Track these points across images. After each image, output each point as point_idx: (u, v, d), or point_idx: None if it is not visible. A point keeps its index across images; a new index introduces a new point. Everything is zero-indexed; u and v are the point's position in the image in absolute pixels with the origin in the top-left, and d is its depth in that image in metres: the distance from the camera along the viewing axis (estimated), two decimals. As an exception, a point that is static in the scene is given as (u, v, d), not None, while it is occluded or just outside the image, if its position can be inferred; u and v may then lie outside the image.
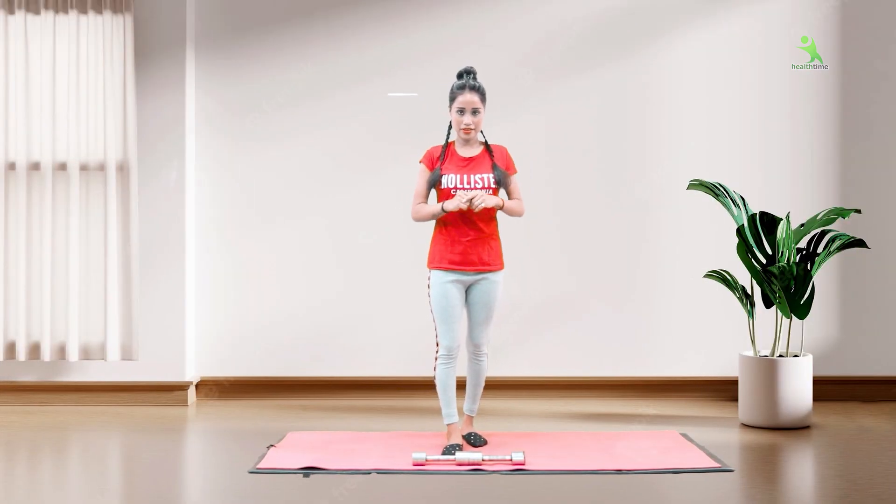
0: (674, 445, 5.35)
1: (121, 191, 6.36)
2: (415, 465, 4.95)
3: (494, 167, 5.29)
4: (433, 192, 5.37)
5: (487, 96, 5.39)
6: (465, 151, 5.33)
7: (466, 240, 5.24)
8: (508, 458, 4.96)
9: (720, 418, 6.07)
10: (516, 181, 5.40)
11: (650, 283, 6.64)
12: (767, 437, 5.63)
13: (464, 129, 5.27)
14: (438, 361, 5.28)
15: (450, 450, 5.11)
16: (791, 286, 5.80)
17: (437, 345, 5.28)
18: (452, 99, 5.31)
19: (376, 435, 5.59)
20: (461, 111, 5.27)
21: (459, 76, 5.36)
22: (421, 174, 5.36)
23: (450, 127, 5.37)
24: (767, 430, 5.78)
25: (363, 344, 6.63)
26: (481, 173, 5.27)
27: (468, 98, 5.27)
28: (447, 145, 5.37)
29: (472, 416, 5.46)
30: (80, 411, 6.29)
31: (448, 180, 5.26)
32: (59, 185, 6.37)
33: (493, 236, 5.31)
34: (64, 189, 6.36)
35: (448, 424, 5.28)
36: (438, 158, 5.33)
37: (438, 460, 4.98)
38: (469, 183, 5.25)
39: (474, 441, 5.33)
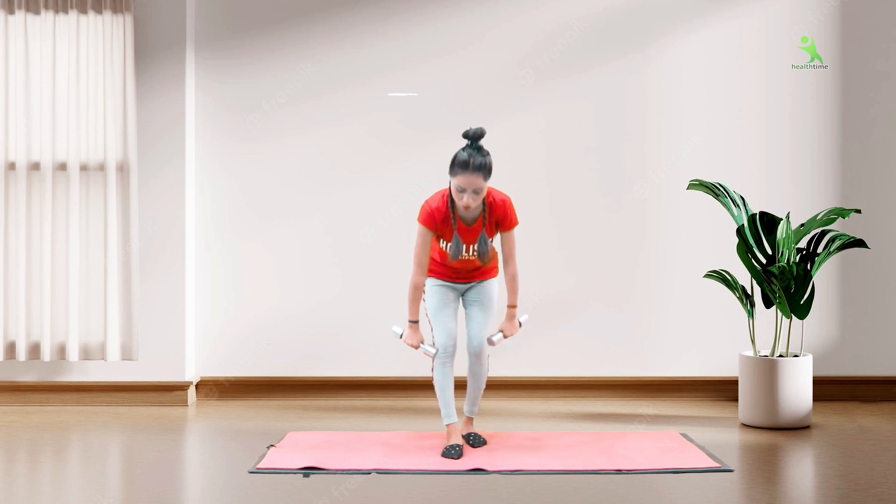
0: (674, 445, 5.35)
1: (121, 191, 6.36)
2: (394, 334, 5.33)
3: (479, 240, 5.11)
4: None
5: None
6: (467, 214, 5.14)
7: (460, 272, 5.26)
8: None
9: (720, 418, 6.07)
10: (513, 237, 5.21)
11: (650, 282, 6.64)
12: (767, 437, 5.63)
13: (463, 206, 5.05)
14: (436, 362, 5.26)
15: (449, 451, 5.11)
16: (791, 286, 5.80)
17: (434, 346, 5.28)
18: (453, 173, 5.00)
19: (376, 435, 5.58)
20: (462, 189, 5.00)
21: (466, 136, 5.04)
22: (422, 236, 5.13)
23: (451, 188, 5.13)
24: (767, 430, 5.78)
25: (363, 344, 6.64)
26: (476, 245, 5.19)
27: (471, 179, 4.97)
28: (454, 208, 5.09)
29: (472, 418, 5.45)
30: (80, 411, 6.29)
31: (446, 247, 5.16)
32: (59, 185, 6.37)
33: (489, 264, 5.30)
34: (64, 189, 6.36)
35: (447, 425, 5.27)
36: (444, 224, 5.10)
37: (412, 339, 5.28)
38: (468, 252, 5.17)
39: (473, 441, 5.32)
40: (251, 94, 6.63)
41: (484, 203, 5.14)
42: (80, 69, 6.32)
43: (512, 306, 5.32)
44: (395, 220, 6.55)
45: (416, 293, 5.21)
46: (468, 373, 5.37)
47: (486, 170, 4.98)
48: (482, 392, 5.42)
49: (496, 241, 5.39)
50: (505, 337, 5.34)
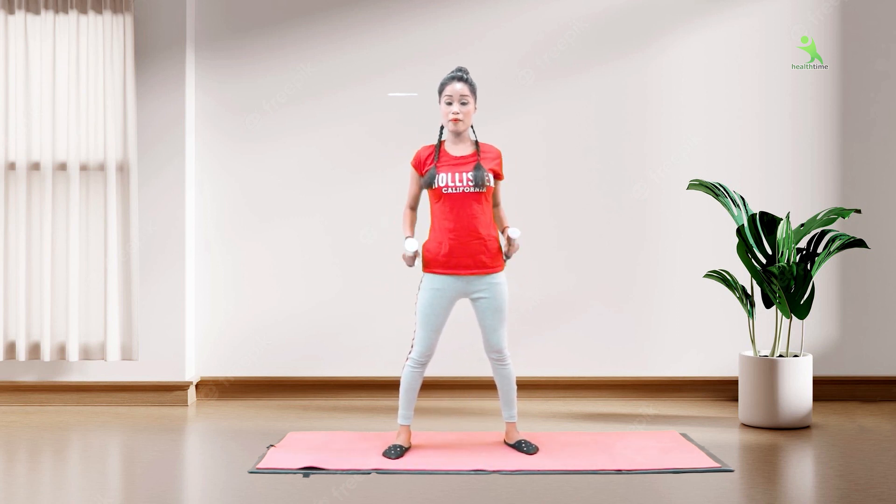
0: (674, 445, 5.35)
1: (121, 191, 6.36)
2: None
3: (476, 167, 5.13)
4: (425, 192, 5.29)
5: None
6: (456, 150, 5.22)
7: (458, 240, 5.13)
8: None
9: (720, 418, 6.07)
10: (500, 189, 5.31)
11: (650, 282, 6.64)
12: (767, 437, 5.63)
13: (452, 119, 5.16)
14: (409, 363, 5.21)
15: (389, 450, 5.13)
16: (791, 286, 5.80)
17: (412, 347, 5.22)
18: (441, 91, 5.22)
19: (376, 435, 5.58)
20: (449, 102, 5.18)
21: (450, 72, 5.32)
22: (411, 177, 5.30)
23: (442, 128, 5.27)
24: (767, 430, 5.78)
25: (363, 344, 6.64)
26: (472, 172, 5.15)
27: (457, 88, 5.17)
28: (440, 144, 5.24)
29: (514, 422, 5.33)
30: (80, 411, 6.29)
31: (439, 178, 5.14)
32: (59, 185, 6.37)
33: (491, 237, 5.20)
34: (64, 189, 6.36)
35: (401, 425, 5.25)
36: (428, 159, 5.22)
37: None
38: (461, 181, 5.12)
39: (526, 449, 5.22)
40: (251, 94, 6.63)
41: (477, 144, 5.24)
42: (80, 69, 6.32)
43: (504, 228, 5.30)
44: (396, 220, 6.55)
45: (407, 216, 5.34)
46: (496, 379, 5.29)
47: (471, 84, 5.23)
48: (515, 393, 5.31)
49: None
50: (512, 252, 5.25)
